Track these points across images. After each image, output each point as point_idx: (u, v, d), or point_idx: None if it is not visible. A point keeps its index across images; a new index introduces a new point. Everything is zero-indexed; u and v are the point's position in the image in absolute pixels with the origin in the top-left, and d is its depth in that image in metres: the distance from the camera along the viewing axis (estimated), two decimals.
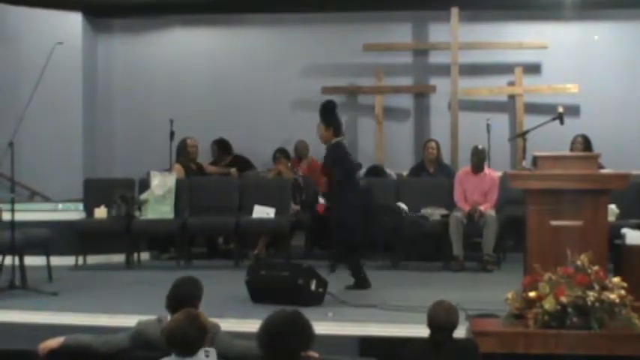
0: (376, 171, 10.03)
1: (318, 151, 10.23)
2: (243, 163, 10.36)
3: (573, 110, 10.13)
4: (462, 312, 5.36)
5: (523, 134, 7.52)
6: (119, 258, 9.04)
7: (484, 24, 10.60)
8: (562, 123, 7.11)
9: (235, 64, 11.02)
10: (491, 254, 8.52)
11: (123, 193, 8.95)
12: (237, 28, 11.24)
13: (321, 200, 9.08)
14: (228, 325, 5.11)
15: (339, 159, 7.42)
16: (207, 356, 4.07)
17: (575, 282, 5.21)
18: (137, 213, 8.98)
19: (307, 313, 3.88)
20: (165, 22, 11.29)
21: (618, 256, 6.10)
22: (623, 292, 5.20)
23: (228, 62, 11.07)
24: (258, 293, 6.64)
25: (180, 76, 11.13)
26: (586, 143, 9.25)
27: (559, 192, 5.70)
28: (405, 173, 10.06)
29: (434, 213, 8.76)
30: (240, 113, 10.88)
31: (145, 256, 9.38)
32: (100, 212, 8.99)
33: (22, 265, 7.35)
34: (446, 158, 10.01)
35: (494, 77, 10.62)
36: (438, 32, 10.72)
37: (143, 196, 9.06)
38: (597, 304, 5.13)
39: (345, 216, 7.32)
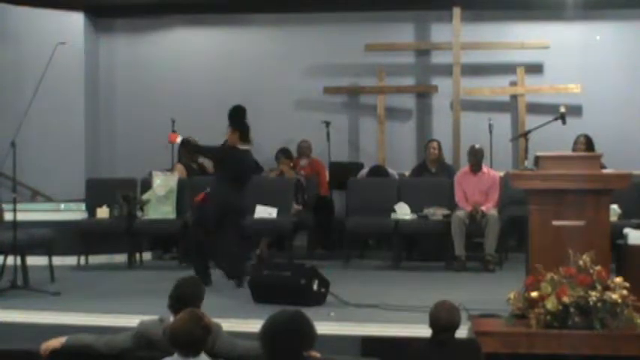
0: (378, 171, 10.03)
1: (320, 151, 10.30)
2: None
3: (575, 110, 10.12)
4: (464, 312, 5.36)
5: (525, 134, 7.51)
6: (121, 258, 9.04)
7: (486, 24, 10.59)
8: (564, 123, 7.10)
9: (237, 64, 11.02)
10: (494, 254, 8.52)
11: (125, 193, 8.95)
12: (239, 28, 11.25)
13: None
14: (230, 325, 5.11)
15: (231, 161, 7.45)
16: None
17: (577, 282, 5.21)
18: (139, 213, 8.98)
19: (309, 313, 3.88)
20: (168, 22, 11.30)
21: (620, 256, 6.10)
22: (625, 292, 5.20)
23: (230, 62, 11.07)
24: (261, 293, 6.64)
25: (183, 75, 11.14)
26: (588, 143, 9.24)
27: (561, 192, 5.70)
28: (407, 173, 10.06)
29: (436, 213, 8.76)
30: None
31: (147, 256, 9.38)
32: (102, 212, 8.99)
33: (24, 265, 7.36)
34: (448, 158, 10.02)
35: (497, 77, 10.61)
36: (440, 32, 10.72)
37: (145, 196, 9.06)
38: (599, 304, 5.13)
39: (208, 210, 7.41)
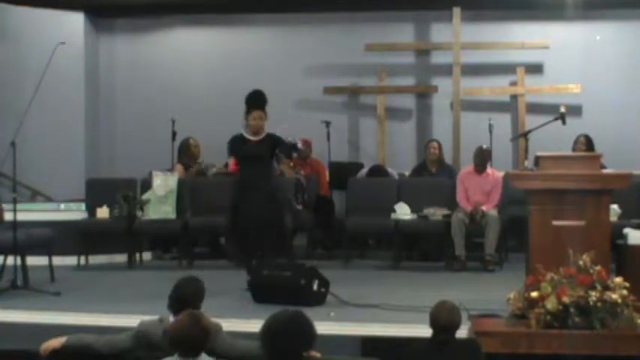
0: (378, 171, 10.03)
1: (320, 151, 10.29)
2: None
3: (575, 110, 10.12)
4: (464, 312, 5.35)
5: (525, 134, 7.52)
6: (121, 258, 9.04)
7: (486, 24, 10.60)
8: (564, 123, 7.11)
9: (237, 64, 11.01)
10: (494, 254, 8.52)
11: (125, 193, 8.95)
12: (239, 28, 11.25)
13: None
14: (230, 325, 5.12)
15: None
16: None
17: (578, 282, 5.22)
18: (139, 213, 8.98)
19: (309, 313, 3.88)
20: (168, 22, 11.30)
21: (620, 256, 6.10)
22: (625, 292, 5.20)
23: (230, 62, 11.07)
24: (261, 293, 6.64)
25: (182, 76, 11.14)
26: (588, 143, 9.25)
27: (561, 192, 5.70)
28: (407, 173, 10.06)
29: (436, 213, 8.76)
30: (242, 113, 10.84)
31: (147, 256, 9.38)
32: (102, 212, 8.99)
33: (24, 265, 7.36)
34: (448, 158, 10.01)
35: (497, 77, 10.61)
36: (440, 32, 10.71)
37: (145, 196, 9.06)
38: (599, 304, 5.13)
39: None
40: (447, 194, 8.96)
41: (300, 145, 7.95)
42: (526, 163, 7.40)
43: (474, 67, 10.51)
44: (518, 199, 7.21)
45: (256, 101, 7.41)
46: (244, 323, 5.53)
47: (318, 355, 4.14)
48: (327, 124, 10.33)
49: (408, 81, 10.87)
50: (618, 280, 5.32)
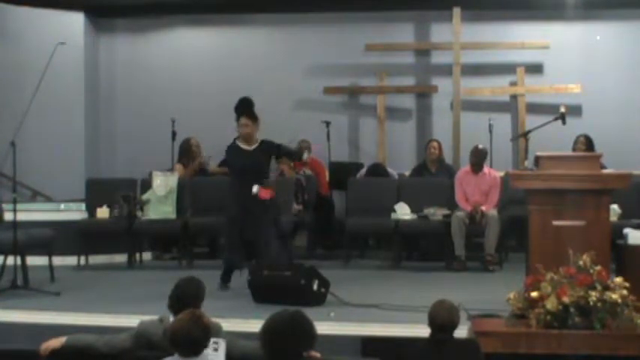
0: (377, 169, 10.02)
1: (320, 150, 10.29)
2: None
3: (575, 110, 10.12)
4: (464, 312, 5.36)
5: (525, 134, 7.53)
6: (121, 258, 9.05)
7: (486, 24, 10.60)
8: (564, 123, 7.11)
9: (237, 64, 11.01)
10: (493, 254, 8.52)
11: (125, 193, 8.95)
12: (239, 28, 11.25)
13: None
14: (230, 325, 5.11)
15: None
16: (215, 349, 4.08)
17: (577, 282, 5.21)
18: (139, 213, 8.98)
19: (309, 313, 3.88)
20: (168, 22, 11.30)
21: (620, 256, 6.10)
22: (625, 292, 5.20)
23: (230, 62, 11.06)
24: (261, 293, 6.64)
25: (183, 76, 11.14)
26: (588, 143, 9.25)
27: (561, 192, 5.70)
28: (407, 173, 10.06)
29: (436, 213, 8.76)
30: None
31: (147, 256, 9.39)
32: (102, 212, 8.99)
33: (24, 265, 7.36)
34: (448, 158, 10.01)
35: (497, 77, 10.61)
36: (440, 32, 10.71)
37: (145, 196, 9.06)
38: (599, 304, 5.13)
39: None
40: (447, 194, 8.97)
41: (305, 156, 7.89)
42: (526, 163, 7.41)
43: (474, 67, 10.51)
44: (518, 199, 7.22)
45: (241, 108, 7.39)
46: (244, 323, 5.53)
47: (318, 355, 4.13)
48: (327, 124, 10.33)
49: (408, 81, 10.87)
50: (618, 280, 5.32)
